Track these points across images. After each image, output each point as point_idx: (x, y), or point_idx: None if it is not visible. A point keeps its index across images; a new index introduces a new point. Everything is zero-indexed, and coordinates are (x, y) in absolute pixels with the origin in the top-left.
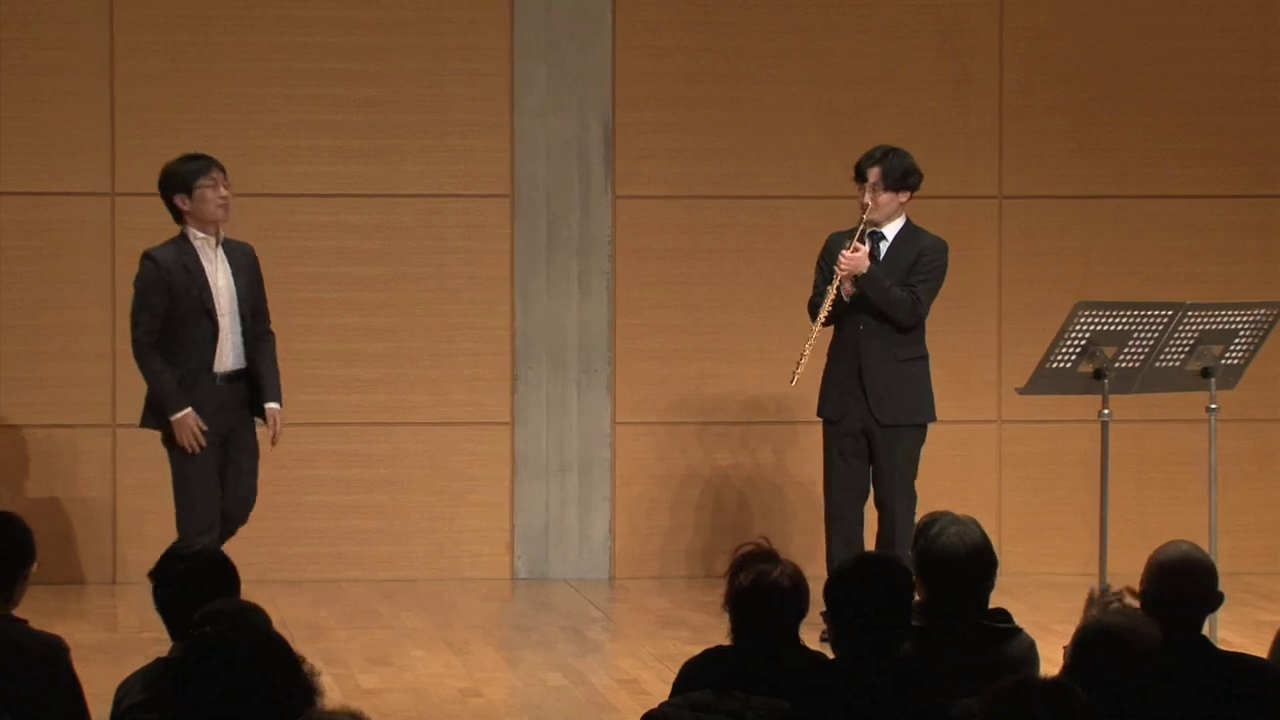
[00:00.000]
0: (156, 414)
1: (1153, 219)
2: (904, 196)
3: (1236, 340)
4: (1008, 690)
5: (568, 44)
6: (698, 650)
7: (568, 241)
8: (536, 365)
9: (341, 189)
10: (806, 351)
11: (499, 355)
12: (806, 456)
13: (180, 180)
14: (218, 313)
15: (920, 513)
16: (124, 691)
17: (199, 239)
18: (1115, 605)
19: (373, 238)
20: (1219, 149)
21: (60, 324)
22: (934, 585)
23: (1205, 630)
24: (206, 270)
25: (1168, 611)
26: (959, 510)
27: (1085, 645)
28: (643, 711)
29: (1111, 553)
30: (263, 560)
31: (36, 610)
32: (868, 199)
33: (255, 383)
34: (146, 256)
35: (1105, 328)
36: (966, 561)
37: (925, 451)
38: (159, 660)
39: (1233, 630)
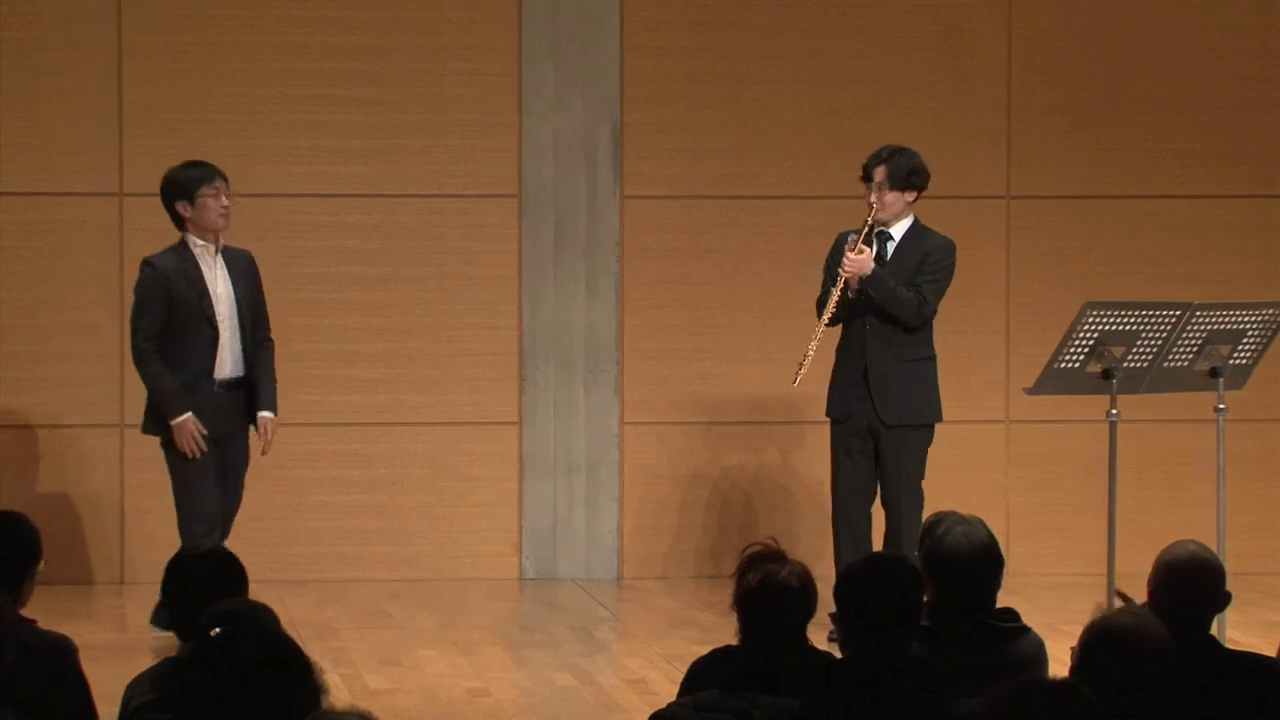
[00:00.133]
0: (157, 419)
1: (1153, 219)
2: (910, 196)
3: (1245, 340)
4: (1015, 691)
5: (573, 44)
6: (705, 650)
7: (575, 242)
8: (544, 366)
9: (342, 189)
10: (810, 352)
11: (501, 355)
12: (814, 456)
13: (183, 187)
14: (218, 320)
15: (927, 512)
16: (132, 691)
17: (199, 246)
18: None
19: (373, 238)
20: (1219, 149)
21: (61, 324)
22: (940, 585)
23: (1214, 630)
24: (206, 278)
25: (1175, 611)
26: (965, 510)
27: (1093, 645)
28: (650, 711)
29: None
30: (263, 560)
31: (45, 610)
32: (874, 199)
33: (251, 390)
34: (146, 263)
35: (1114, 328)
36: (973, 561)
37: (932, 451)
38: (167, 660)
39: (1241, 630)
